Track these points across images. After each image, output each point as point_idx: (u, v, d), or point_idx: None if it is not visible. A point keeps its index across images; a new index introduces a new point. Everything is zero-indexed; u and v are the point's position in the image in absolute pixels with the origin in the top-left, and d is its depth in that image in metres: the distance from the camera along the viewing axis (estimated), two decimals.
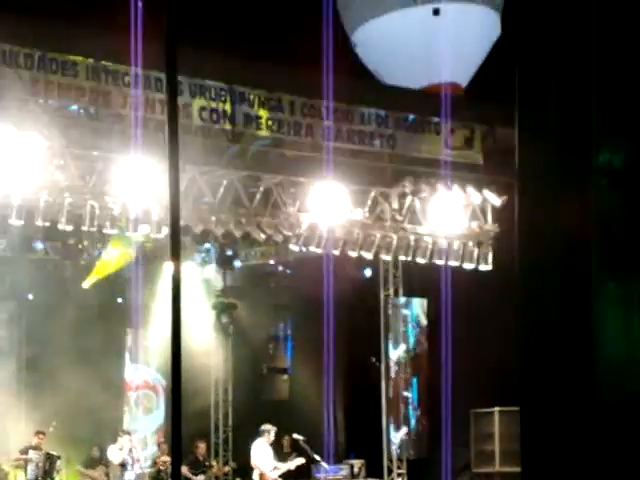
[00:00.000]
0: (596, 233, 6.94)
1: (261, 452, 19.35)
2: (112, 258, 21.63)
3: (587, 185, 7.08)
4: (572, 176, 7.10)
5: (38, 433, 19.28)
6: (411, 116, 18.71)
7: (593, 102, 6.94)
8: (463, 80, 25.10)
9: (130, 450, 19.51)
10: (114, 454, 19.47)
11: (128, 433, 19.84)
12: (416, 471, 21.17)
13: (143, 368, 21.70)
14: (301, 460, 19.50)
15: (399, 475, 21.13)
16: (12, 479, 19.43)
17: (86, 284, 21.76)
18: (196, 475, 19.76)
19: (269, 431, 19.35)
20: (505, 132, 17.31)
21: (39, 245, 19.07)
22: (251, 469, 20.67)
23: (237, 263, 20.90)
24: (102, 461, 20.11)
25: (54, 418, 19.79)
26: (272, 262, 22.45)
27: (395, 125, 18.51)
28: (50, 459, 19.07)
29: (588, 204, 7.06)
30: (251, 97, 17.40)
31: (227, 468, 21.53)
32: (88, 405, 20.45)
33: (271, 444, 19.32)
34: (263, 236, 18.80)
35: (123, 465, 19.39)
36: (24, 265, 20.86)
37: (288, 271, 22.45)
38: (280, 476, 19.26)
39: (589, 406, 6.88)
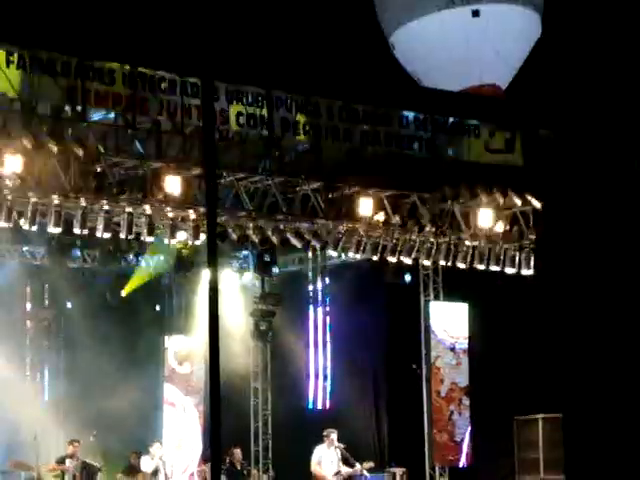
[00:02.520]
0: None
1: (321, 457, 19.26)
2: (150, 265, 21.58)
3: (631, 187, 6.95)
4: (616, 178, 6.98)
5: (72, 442, 19.27)
6: (450, 119, 18.50)
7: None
8: (503, 82, 24.84)
9: (161, 458, 19.42)
10: (146, 463, 19.40)
11: (159, 442, 19.73)
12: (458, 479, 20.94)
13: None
14: (370, 464, 19.38)
15: None
16: None
17: (124, 292, 21.72)
18: None
19: (329, 435, 19.26)
20: (546, 134, 17.06)
21: (77, 253, 19.01)
22: (293, 475, 20.56)
23: (275, 269, 20.74)
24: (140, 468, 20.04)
25: (93, 427, 19.74)
26: (310, 268, 22.30)
27: (434, 128, 18.31)
28: (87, 468, 19.02)
29: (633, 209, 6.93)
30: (288, 102, 17.27)
31: (266, 476, 21.38)
32: (127, 413, 20.39)
33: (336, 448, 19.21)
34: (301, 242, 18.66)
35: (155, 473, 19.30)
36: (62, 273, 20.86)
37: (327, 277, 22.30)
38: None
39: (633, 413, 6.78)
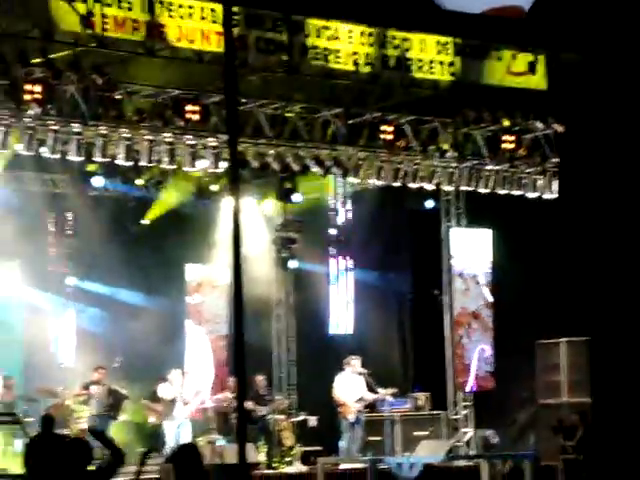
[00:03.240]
0: None
1: (344, 384, 19.38)
2: (171, 194, 21.58)
3: None
4: None
5: (98, 368, 19.40)
6: (472, 42, 18.28)
7: None
8: (525, 3, 24.44)
9: (181, 385, 19.55)
10: (164, 390, 19.51)
11: (179, 369, 19.83)
12: (481, 403, 21.06)
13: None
14: (393, 390, 19.50)
15: (464, 407, 21.03)
16: (77, 415, 19.60)
17: (146, 220, 21.74)
18: (257, 410, 19.78)
19: (350, 362, 19.37)
20: (569, 56, 16.85)
21: (99, 181, 19.01)
22: (315, 401, 20.73)
23: (296, 197, 20.70)
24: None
25: (117, 353, 19.90)
26: (331, 195, 22.24)
27: (455, 52, 18.10)
28: (113, 394, 19.18)
29: None
30: (308, 27, 17.09)
31: (289, 402, 21.54)
32: (149, 341, 20.54)
33: (360, 374, 19.34)
34: (322, 169, 18.61)
35: (173, 401, 19.41)
36: (84, 201, 20.90)
37: (348, 204, 22.25)
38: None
39: None
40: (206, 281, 21.55)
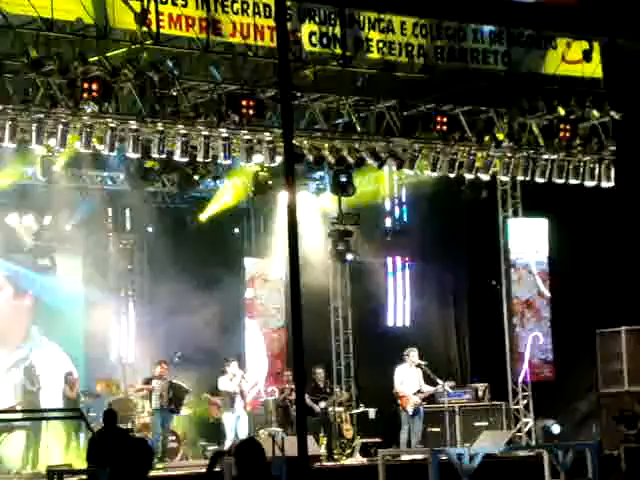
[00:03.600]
0: None
1: (403, 376, 19.44)
2: (228, 189, 21.72)
3: None
4: None
5: (160, 362, 19.56)
6: (526, 31, 18.18)
7: None
8: None
9: (242, 377, 19.64)
10: (224, 383, 19.58)
11: (235, 360, 19.88)
12: (541, 393, 20.96)
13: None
14: (452, 383, 19.51)
15: (524, 397, 20.95)
16: (140, 409, 19.81)
17: (204, 216, 21.89)
18: (317, 402, 19.87)
19: (409, 354, 19.41)
20: (625, 43, 16.71)
21: (156, 178, 19.16)
22: (374, 393, 20.77)
23: (352, 190, 20.71)
24: None
25: (177, 348, 20.06)
26: (387, 187, 22.24)
27: (509, 41, 18.01)
28: (175, 388, 19.32)
29: None
30: (361, 19, 17.10)
31: (348, 394, 21.58)
32: (209, 335, 20.69)
33: (417, 366, 19.36)
34: (377, 161, 18.61)
35: (232, 394, 19.47)
36: (142, 198, 21.08)
37: (404, 196, 22.24)
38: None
39: None
40: (262, 275, 21.71)
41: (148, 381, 19.48)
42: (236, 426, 19.34)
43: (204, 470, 17.12)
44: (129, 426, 18.88)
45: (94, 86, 15.58)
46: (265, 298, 21.63)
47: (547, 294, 21.06)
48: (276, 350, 21.57)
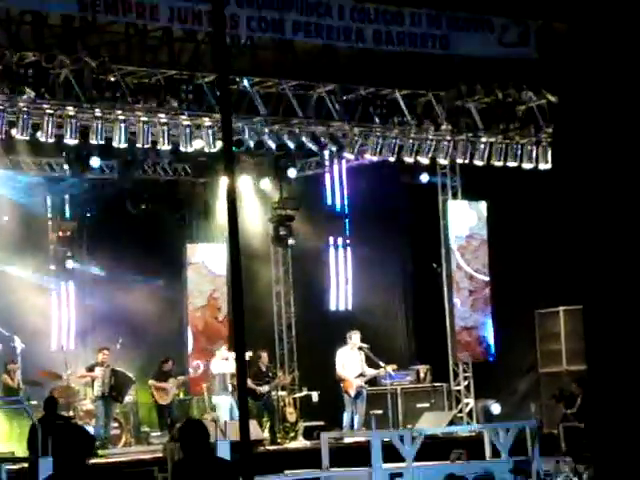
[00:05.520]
0: None
1: (345, 359, 19.51)
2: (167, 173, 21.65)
3: None
4: None
5: (102, 349, 19.50)
6: (463, 14, 18.28)
7: None
8: None
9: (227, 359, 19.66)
10: (219, 366, 19.46)
11: (225, 344, 19.83)
12: (481, 374, 21.18)
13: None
14: (394, 367, 19.60)
15: (465, 379, 21.16)
16: (82, 396, 19.72)
17: (144, 201, 21.75)
18: (260, 386, 19.91)
19: (351, 337, 19.47)
20: (561, 26, 16.86)
21: (96, 163, 19.01)
22: (317, 377, 20.83)
23: (292, 174, 20.75)
24: (172, 374, 20.29)
25: (119, 335, 19.98)
26: (327, 172, 22.29)
27: (447, 25, 18.11)
28: (116, 375, 19.26)
29: None
30: (300, 4, 17.09)
31: (291, 378, 21.64)
32: (151, 321, 20.65)
33: (359, 348, 19.43)
34: (317, 146, 18.65)
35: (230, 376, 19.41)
36: (81, 184, 20.92)
37: (344, 181, 22.30)
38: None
39: None
40: (204, 260, 21.71)
41: (91, 368, 19.41)
42: (232, 406, 19.20)
43: (147, 457, 17.23)
44: (71, 414, 18.81)
45: (30, 72, 15.44)
46: (219, 291, 21.68)
47: (487, 276, 21.29)
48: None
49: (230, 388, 19.35)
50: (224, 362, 19.51)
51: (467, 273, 21.20)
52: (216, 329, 21.76)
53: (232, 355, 19.51)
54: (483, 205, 21.38)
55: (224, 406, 19.22)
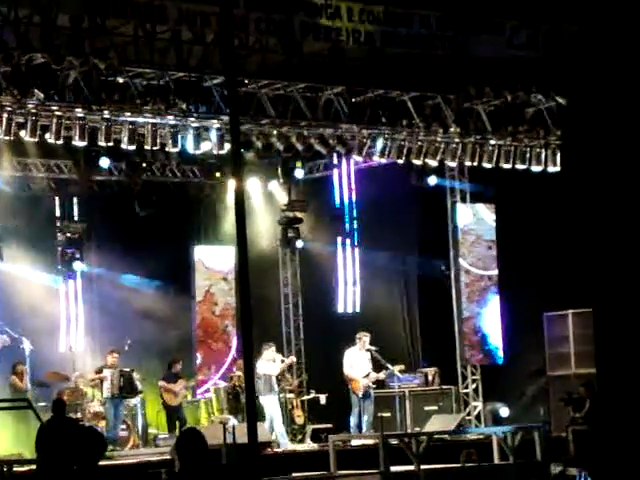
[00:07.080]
0: None
1: (353, 359, 19.46)
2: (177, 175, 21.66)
3: None
4: None
5: (112, 352, 19.51)
6: (472, 16, 18.24)
7: None
8: None
9: (282, 360, 19.63)
10: (265, 367, 19.44)
11: (272, 345, 19.80)
12: (490, 377, 21.14)
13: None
14: (401, 367, 19.57)
15: (473, 381, 21.12)
16: (90, 398, 19.71)
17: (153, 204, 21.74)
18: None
19: (361, 338, 19.44)
20: (570, 28, 16.84)
21: (105, 164, 19.03)
22: (325, 379, 20.81)
23: (300, 176, 20.75)
24: (181, 375, 20.30)
25: (128, 337, 19.98)
26: (336, 174, 22.27)
27: (456, 27, 18.07)
28: (124, 376, 19.26)
29: None
30: (307, 6, 17.08)
31: (299, 380, 21.61)
32: (160, 323, 20.65)
33: (367, 350, 19.40)
34: (325, 148, 18.63)
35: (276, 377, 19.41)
36: (90, 186, 20.94)
37: (353, 183, 22.28)
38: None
39: None
40: (213, 262, 21.72)
41: (100, 370, 19.43)
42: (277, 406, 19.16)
43: (155, 459, 17.23)
44: (79, 415, 18.82)
45: (38, 74, 15.45)
46: (215, 286, 21.67)
47: (495, 279, 21.26)
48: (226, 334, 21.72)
49: (276, 388, 19.33)
50: (270, 363, 19.44)
51: (475, 276, 21.17)
52: (213, 323, 21.83)
53: (279, 357, 19.60)
54: (492, 208, 21.35)
55: (271, 406, 19.13)
